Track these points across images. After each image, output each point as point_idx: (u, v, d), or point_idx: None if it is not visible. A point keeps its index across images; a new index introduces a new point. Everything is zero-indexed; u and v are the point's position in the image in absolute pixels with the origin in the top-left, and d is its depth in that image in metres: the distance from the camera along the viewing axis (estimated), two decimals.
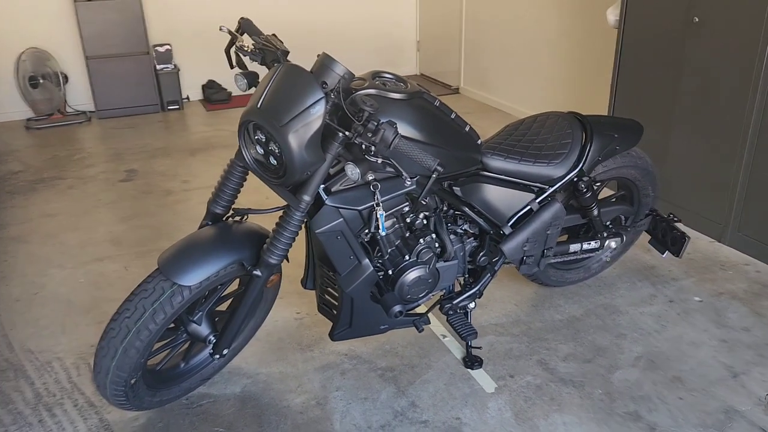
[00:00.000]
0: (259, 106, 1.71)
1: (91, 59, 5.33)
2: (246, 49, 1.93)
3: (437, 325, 2.57)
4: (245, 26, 1.98)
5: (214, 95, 5.90)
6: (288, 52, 1.88)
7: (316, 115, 1.68)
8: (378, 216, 1.90)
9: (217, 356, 2.03)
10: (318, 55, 1.77)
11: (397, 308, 1.99)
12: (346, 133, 1.70)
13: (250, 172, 1.95)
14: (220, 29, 2.00)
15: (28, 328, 2.59)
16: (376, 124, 1.65)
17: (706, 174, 3.10)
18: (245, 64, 2.06)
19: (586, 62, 4.44)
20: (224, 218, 2.01)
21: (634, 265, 2.97)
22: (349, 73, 1.74)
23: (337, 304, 2.12)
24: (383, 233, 1.93)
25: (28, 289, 2.88)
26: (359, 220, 1.93)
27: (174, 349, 2.07)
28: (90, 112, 5.60)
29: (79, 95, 5.62)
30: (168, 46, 5.64)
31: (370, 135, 1.65)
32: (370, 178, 1.87)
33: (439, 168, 1.70)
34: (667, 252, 2.58)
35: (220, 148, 4.70)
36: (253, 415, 2.14)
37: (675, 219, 2.55)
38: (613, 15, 3.56)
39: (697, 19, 3.00)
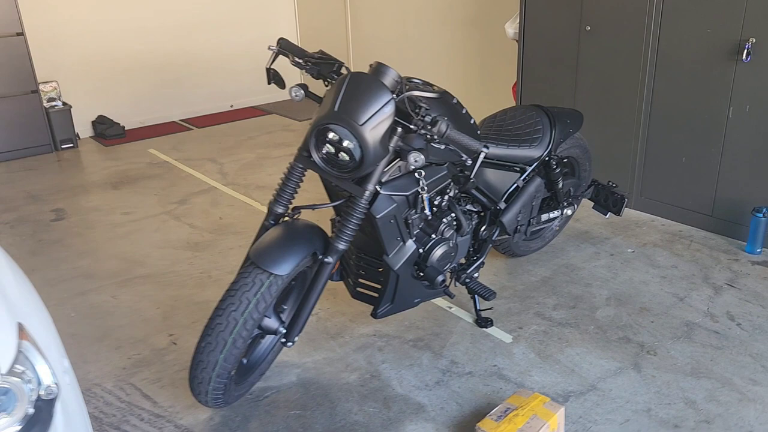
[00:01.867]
0: (336, 109, 1.97)
1: None
2: (302, 63, 2.17)
3: (439, 300, 2.93)
4: (287, 45, 2.22)
5: (107, 130, 5.74)
6: (344, 63, 2.16)
7: (388, 113, 1.98)
8: (424, 198, 2.23)
9: (290, 343, 2.21)
10: (371, 65, 2.08)
11: (440, 278, 2.33)
12: (411, 126, 2.01)
13: (306, 173, 2.18)
14: (269, 48, 2.21)
15: None
16: (432, 117, 1.99)
17: (610, 153, 3.80)
18: (283, 80, 2.28)
19: (485, 72, 5.07)
20: (284, 216, 2.22)
21: (572, 233, 3.56)
22: (400, 77, 2.07)
23: (380, 286, 2.39)
24: (429, 213, 2.26)
25: None
26: (405, 204, 2.25)
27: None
28: None
29: None
30: (55, 84, 5.42)
31: (430, 126, 1.99)
32: (412, 167, 2.20)
33: (484, 149, 2.08)
34: (609, 213, 3.17)
35: (142, 179, 4.65)
36: (319, 395, 2.34)
37: (614, 185, 3.15)
38: (511, 28, 4.19)
39: (589, 28, 3.69)
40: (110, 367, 2.52)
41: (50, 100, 5.39)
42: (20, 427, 1.28)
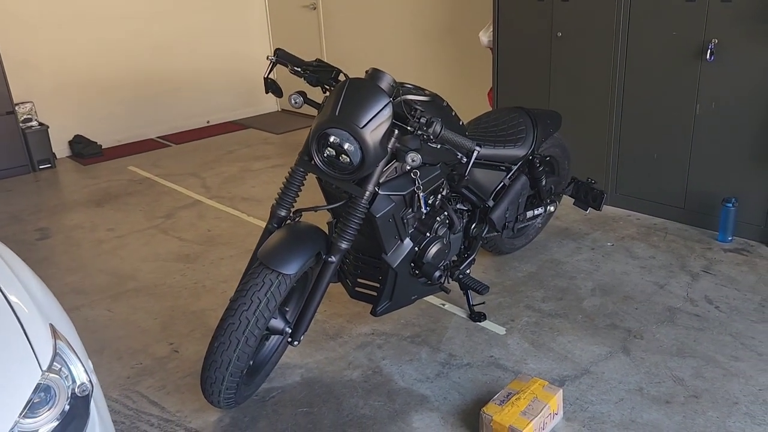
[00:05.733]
0: (337, 114, 2.06)
1: None
2: (300, 71, 2.26)
3: (432, 298, 3.02)
4: (284, 55, 2.31)
5: (84, 149, 5.72)
6: (341, 70, 2.25)
7: (386, 116, 2.08)
8: (420, 197, 2.33)
9: (296, 342, 2.27)
10: (367, 71, 2.18)
11: (437, 273, 2.42)
12: (408, 127, 2.11)
13: (307, 177, 2.26)
14: (267, 58, 2.30)
15: None
16: (427, 118, 2.09)
17: (586, 153, 3.96)
18: (280, 89, 2.36)
19: (460, 80, 5.21)
20: (287, 219, 2.29)
21: (553, 230, 3.69)
22: (395, 82, 2.17)
23: (378, 284, 2.47)
24: (425, 211, 2.36)
25: None
26: (402, 203, 2.34)
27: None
28: None
29: None
30: (31, 104, 5.39)
31: (425, 128, 2.09)
32: (408, 168, 2.29)
33: (477, 148, 2.19)
34: (589, 208, 3.31)
35: (124, 196, 4.66)
36: (324, 393, 2.40)
37: (593, 181, 3.30)
38: (485, 36, 4.34)
39: (560, 34, 3.86)
40: (113, 377, 2.54)
41: (26, 120, 5.36)
42: (58, 423, 1.33)
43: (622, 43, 3.60)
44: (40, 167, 5.42)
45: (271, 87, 2.35)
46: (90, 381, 1.43)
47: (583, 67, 3.81)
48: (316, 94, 2.32)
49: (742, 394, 2.28)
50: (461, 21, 5.00)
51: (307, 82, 2.31)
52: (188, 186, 4.78)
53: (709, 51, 3.26)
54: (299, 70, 2.31)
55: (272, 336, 2.42)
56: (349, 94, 2.08)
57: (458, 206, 2.76)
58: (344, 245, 2.20)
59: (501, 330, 2.73)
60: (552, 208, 3.21)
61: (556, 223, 3.76)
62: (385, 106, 2.07)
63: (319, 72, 2.28)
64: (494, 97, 4.36)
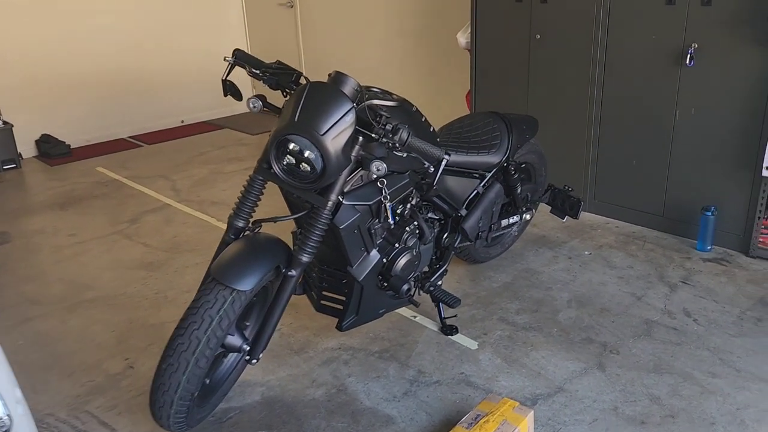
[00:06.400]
0: (296, 120, 1.93)
1: None
2: (259, 74, 2.13)
3: (403, 309, 2.90)
4: (243, 56, 2.18)
5: (52, 149, 5.54)
6: (302, 73, 2.13)
7: (349, 122, 1.96)
8: (387, 207, 2.21)
9: (255, 361, 2.15)
10: (329, 74, 2.05)
11: (405, 287, 2.31)
12: (373, 135, 1.99)
13: (266, 185, 2.14)
14: (225, 59, 2.16)
15: None
16: (393, 125, 1.98)
17: (563, 158, 3.87)
18: (239, 92, 2.23)
19: (438, 82, 5.11)
20: (245, 230, 2.16)
21: (530, 238, 3.59)
22: (359, 86, 2.05)
23: (344, 298, 2.36)
24: (392, 222, 2.24)
25: None
26: (368, 214, 2.22)
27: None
28: None
29: None
30: None
31: (391, 135, 1.97)
32: (374, 176, 2.18)
33: (446, 156, 2.08)
34: (566, 217, 3.22)
35: (90, 198, 4.49)
36: (284, 413, 2.27)
37: (570, 189, 3.20)
38: (463, 38, 4.23)
39: (539, 36, 3.76)
40: (62, 395, 2.40)
41: None
42: None
43: (601, 47, 3.51)
44: (4, 168, 5.23)
45: (230, 90, 2.22)
46: (9, 416, 1.30)
47: (561, 70, 3.71)
48: (278, 98, 2.19)
49: (719, 413, 2.19)
50: (440, 21, 4.89)
51: (267, 85, 2.18)
52: (157, 189, 4.63)
53: (689, 56, 3.18)
54: (258, 72, 2.18)
55: (230, 353, 2.29)
56: (309, 98, 1.96)
57: (429, 215, 2.65)
58: (305, 258, 2.08)
59: (473, 344, 2.63)
60: (528, 217, 3.12)
61: (533, 230, 3.67)
62: (348, 111, 1.95)
63: (279, 75, 2.15)
64: (472, 100, 4.26)
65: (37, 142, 5.61)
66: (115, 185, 4.76)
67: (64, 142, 5.63)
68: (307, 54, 6.14)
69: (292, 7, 6.10)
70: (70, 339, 2.77)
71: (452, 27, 4.65)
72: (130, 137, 6.10)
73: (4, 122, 5.25)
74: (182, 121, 6.46)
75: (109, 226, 3.98)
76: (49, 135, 5.64)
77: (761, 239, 3.19)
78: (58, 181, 4.91)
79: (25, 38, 5.37)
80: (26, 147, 5.56)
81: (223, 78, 2.19)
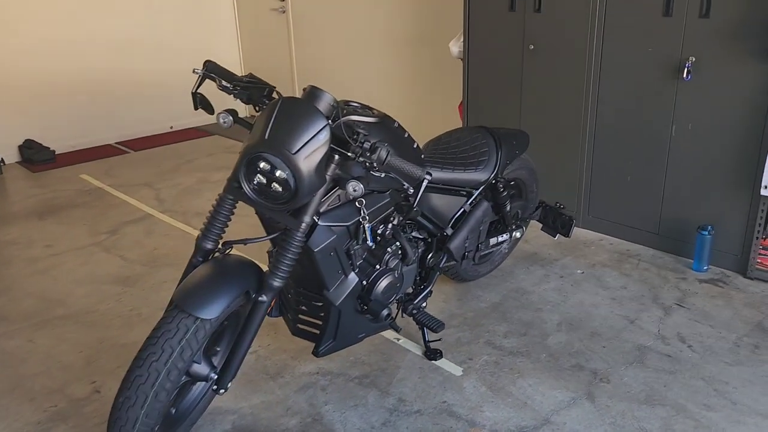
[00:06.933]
0: (267, 137, 1.82)
1: None
2: (230, 88, 2.01)
3: (387, 332, 2.78)
4: (214, 68, 2.06)
5: (35, 155, 5.41)
6: (275, 87, 2.01)
7: (323, 141, 1.84)
8: (365, 228, 2.09)
9: (222, 390, 2.02)
10: (304, 89, 1.94)
11: (385, 312, 2.19)
12: (349, 154, 1.87)
13: (237, 205, 2.02)
14: (194, 71, 2.05)
15: None
16: (371, 143, 1.86)
17: (557, 172, 3.75)
18: (211, 105, 2.12)
19: (431, 91, 4.99)
20: (214, 252, 2.04)
21: (521, 254, 3.47)
22: (336, 101, 1.94)
23: (321, 322, 2.23)
24: (371, 244, 2.12)
25: None
26: (347, 235, 2.10)
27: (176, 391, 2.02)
28: None
29: None
30: None
31: (369, 154, 1.86)
32: (351, 197, 2.06)
33: (427, 176, 1.96)
34: (558, 234, 3.10)
35: (70, 207, 4.37)
36: None
37: (561, 206, 3.09)
38: (456, 47, 4.12)
39: (532, 47, 3.65)
40: (21, 422, 2.27)
41: None
42: None
43: (596, 58, 3.40)
44: None
45: (201, 103, 2.11)
46: None
47: (555, 81, 3.60)
48: (251, 112, 2.07)
49: None
50: (432, 29, 4.78)
51: (239, 100, 2.06)
52: (140, 198, 4.50)
53: (686, 69, 3.07)
54: (228, 86, 2.06)
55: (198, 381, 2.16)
56: (281, 115, 1.84)
57: (413, 234, 2.53)
58: (277, 283, 1.96)
59: (458, 370, 2.50)
60: (518, 234, 3.00)
61: (524, 246, 3.55)
62: (322, 129, 1.83)
63: (250, 89, 2.04)
64: (464, 111, 4.15)
65: (20, 147, 5.49)
66: (98, 193, 4.63)
67: (49, 148, 5.50)
68: (299, 60, 6.03)
69: (284, 12, 5.99)
70: (34, 360, 2.64)
71: (446, 35, 4.54)
72: (117, 143, 5.98)
73: None
74: (171, 127, 6.34)
75: (88, 237, 3.86)
76: (32, 140, 5.51)
77: (759, 260, 3.08)
78: (39, 189, 4.78)
79: (8, 41, 5.25)
80: (9, 152, 5.44)
81: (193, 91, 2.08)
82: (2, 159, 5.38)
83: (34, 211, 4.31)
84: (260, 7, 6.22)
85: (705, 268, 3.21)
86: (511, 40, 3.72)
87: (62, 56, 5.54)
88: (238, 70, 6.73)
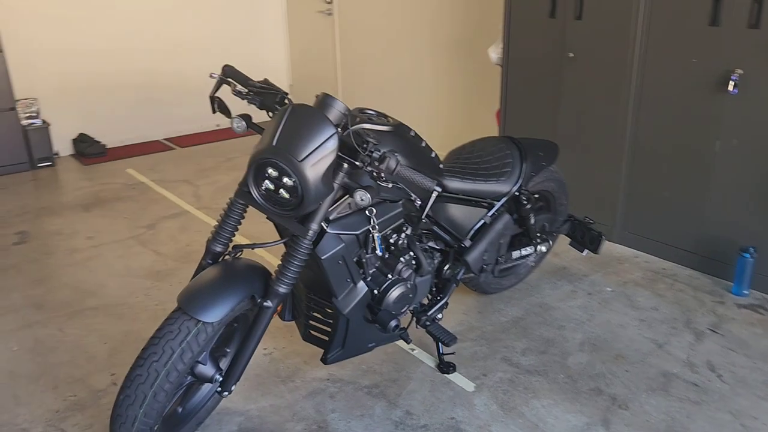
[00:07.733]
0: (275, 144, 1.82)
1: None
2: (243, 93, 2.03)
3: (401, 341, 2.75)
4: (232, 73, 2.08)
5: (87, 149, 5.62)
6: (288, 94, 2.01)
7: (331, 149, 1.83)
8: (375, 238, 2.07)
9: (226, 393, 2.04)
10: (317, 96, 1.93)
11: (393, 323, 2.16)
12: (357, 162, 1.86)
13: (247, 209, 2.03)
14: (211, 76, 2.08)
15: None
16: (380, 153, 1.84)
17: (591, 184, 3.63)
18: (228, 109, 2.14)
19: (469, 97, 4.93)
20: (223, 255, 2.06)
21: (549, 268, 3.38)
22: (347, 110, 1.92)
23: (329, 329, 2.23)
24: (380, 253, 2.10)
25: None
26: (356, 244, 2.09)
27: (181, 392, 2.05)
28: None
29: None
30: (33, 101, 5.31)
31: (377, 163, 1.84)
32: (359, 206, 2.04)
33: (437, 188, 1.92)
34: (586, 250, 3.00)
35: (114, 201, 4.51)
36: None
37: (590, 221, 2.99)
38: (495, 53, 4.05)
39: (572, 54, 3.55)
40: (43, 409, 2.35)
41: (29, 117, 5.28)
42: None
43: (638, 69, 3.27)
44: (39, 165, 5.33)
45: (219, 107, 2.13)
46: None
47: (594, 90, 3.49)
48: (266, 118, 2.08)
49: None
50: (476, 35, 4.72)
51: (254, 105, 2.08)
52: (180, 194, 4.61)
53: (732, 83, 2.92)
54: (242, 91, 2.07)
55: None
56: (289, 122, 1.84)
57: (430, 244, 2.49)
58: (283, 289, 1.96)
59: (470, 386, 2.45)
60: (544, 248, 2.92)
61: (553, 260, 3.45)
62: (330, 137, 1.82)
63: (263, 95, 2.05)
64: (502, 118, 4.07)
65: (74, 140, 5.71)
66: (141, 188, 4.77)
67: (100, 142, 5.70)
68: (343, 62, 6.06)
69: (330, 14, 6.03)
70: (63, 349, 2.74)
71: (488, 41, 4.47)
72: (164, 139, 6.15)
73: (43, 121, 5.36)
74: (217, 125, 6.48)
75: (127, 231, 3.97)
76: (85, 134, 5.73)
77: None
78: (88, 182, 4.96)
79: (66, 41, 5.47)
80: (64, 145, 5.66)
81: (211, 95, 2.10)
82: (57, 152, 5.61)
83: (80, 203, 4.48)
84: (307, 9, 6.27)
85: (745, 292, 3.05)
86: (551, 48, 3.63)
87: (115, 56, 5.74)
88: (286, 72, 6.82)
